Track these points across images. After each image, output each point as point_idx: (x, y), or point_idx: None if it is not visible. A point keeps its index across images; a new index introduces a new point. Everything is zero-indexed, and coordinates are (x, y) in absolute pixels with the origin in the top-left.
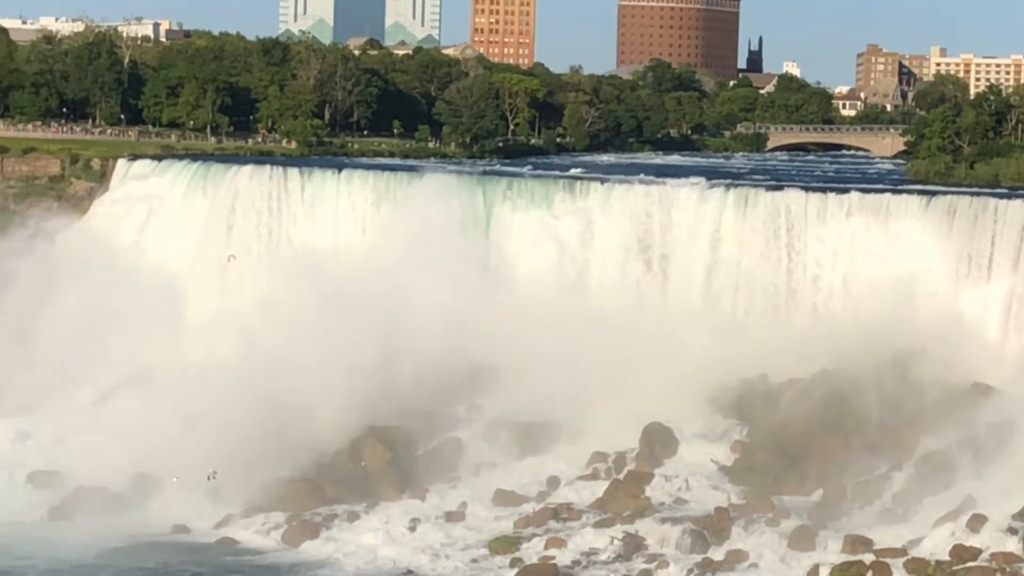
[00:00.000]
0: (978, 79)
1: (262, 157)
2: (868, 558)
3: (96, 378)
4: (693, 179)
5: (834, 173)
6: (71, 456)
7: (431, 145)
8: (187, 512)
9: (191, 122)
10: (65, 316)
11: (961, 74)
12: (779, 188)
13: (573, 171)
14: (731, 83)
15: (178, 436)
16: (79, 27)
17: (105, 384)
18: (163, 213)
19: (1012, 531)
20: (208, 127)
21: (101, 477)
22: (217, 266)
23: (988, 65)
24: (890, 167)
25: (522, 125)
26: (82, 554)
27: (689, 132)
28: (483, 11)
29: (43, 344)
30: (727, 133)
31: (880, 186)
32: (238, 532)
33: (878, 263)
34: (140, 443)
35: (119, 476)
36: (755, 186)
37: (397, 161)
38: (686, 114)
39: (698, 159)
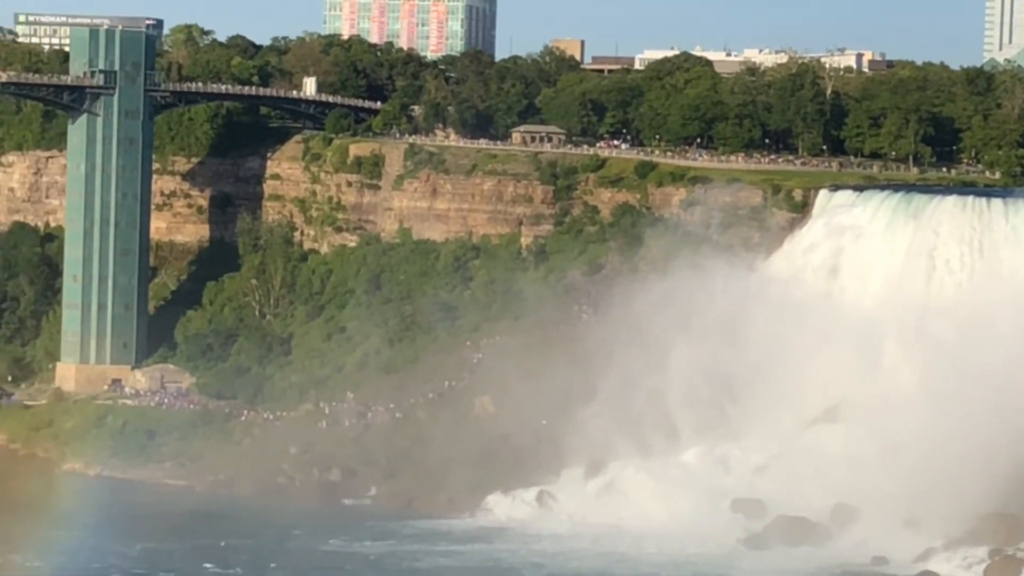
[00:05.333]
0: None
1: (964, 188)
2: None
3: (795, 408)
4: None
5: None
6: (771, 485)
7: None
8: (886, 544)
9: (893, 152)
10: (762, 344)
11: None
12: None
13: None
14: None
15: (877, 467)
16: (782, 59)
17: (804, 414)
18: (863, 243)
19: None
20: (910, 157)
21: (800, 506)
22: (917, 296)
23: None
24: None
25: None
26: None
27: None
28: None
29: (743, 372)
30: None
31: None
32: (939, 565)
33: None
34: (839, 473)
35: (817, 506)
36: None
37: None
38: None
39: None
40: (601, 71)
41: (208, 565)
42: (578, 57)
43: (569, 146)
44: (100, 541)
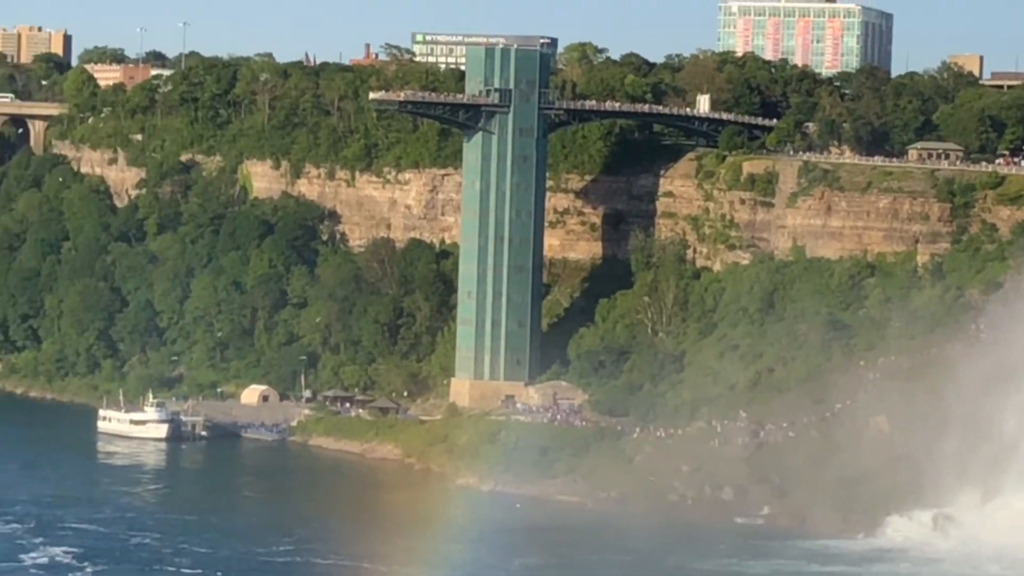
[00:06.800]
0: None
1: None
2: None
3: None
4: None
5: None
6: None
7: None
8: None
9: None
10: None
11: None
12: None
13: None
14: None
15: None
16: None
17: None
18: None
19: None
20: None
21: None
22: None
23: None
24: None
25: None
26: None
27: None
28: None
29: None
30: None
31: None
32: None
33: None
34: None
35: None
36: None
37: None
38: None
39: None
40: (1000, 87)
41: None
42: (976, 72)
43: (967, 163)
44: (483, 555)
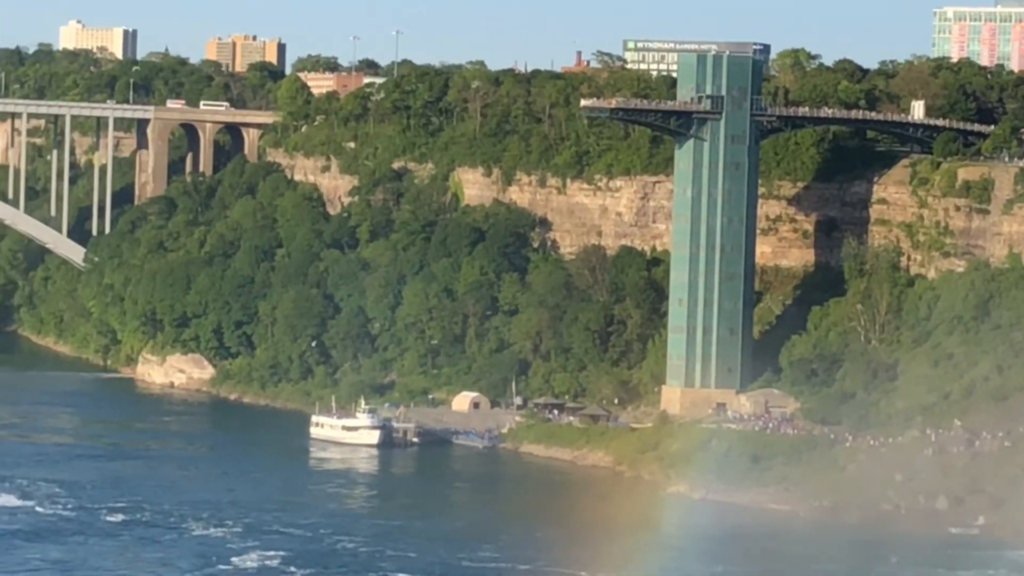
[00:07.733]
0: None
1: None
2: None
3: None
4: None
5: None
6: None
7: None
8: None
9: None
10: None
11: None
12: None
13: None
14: None
15: None
16: None
17: None
18: None
19: None
20: None
21: None
22: None
23: None
24: None
25: None
26: None
27: None
28: None
29: None
30: None
31: None
32: None
33: None
34: None
35: None
36: None
37: None
38: None
39: None
40: None
41: None
42: None
43: None
44: (686, 562)
